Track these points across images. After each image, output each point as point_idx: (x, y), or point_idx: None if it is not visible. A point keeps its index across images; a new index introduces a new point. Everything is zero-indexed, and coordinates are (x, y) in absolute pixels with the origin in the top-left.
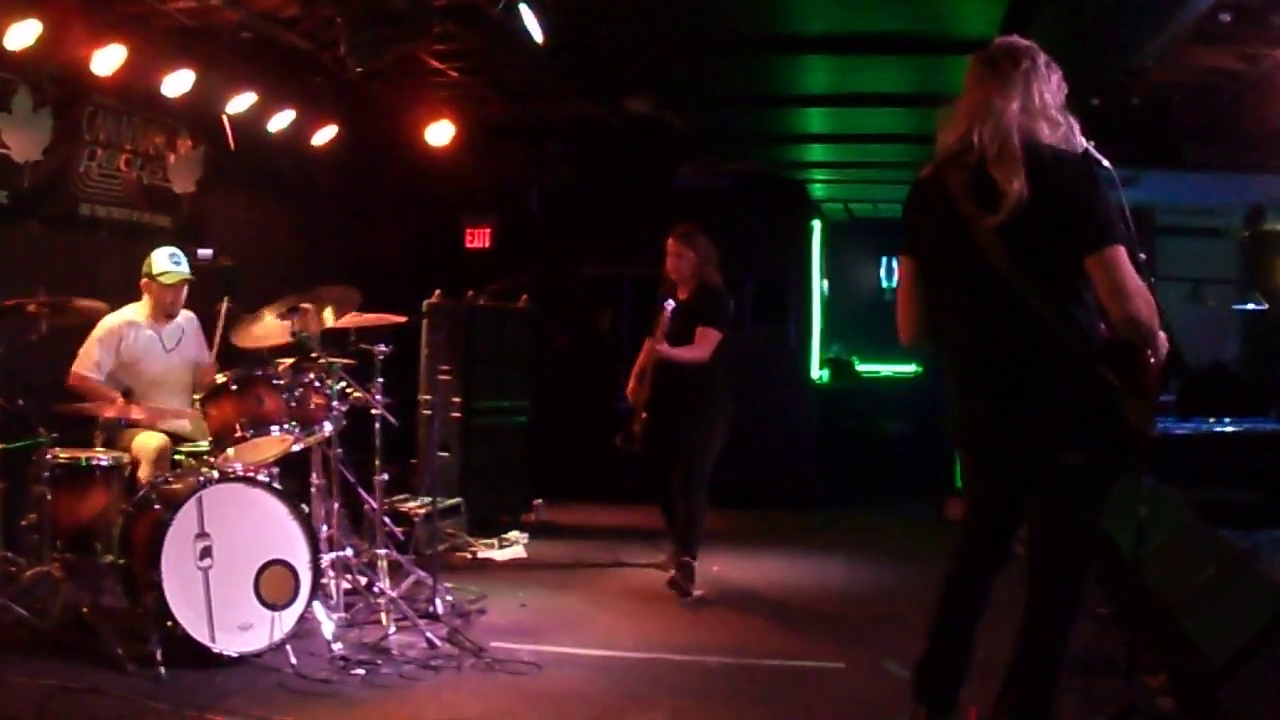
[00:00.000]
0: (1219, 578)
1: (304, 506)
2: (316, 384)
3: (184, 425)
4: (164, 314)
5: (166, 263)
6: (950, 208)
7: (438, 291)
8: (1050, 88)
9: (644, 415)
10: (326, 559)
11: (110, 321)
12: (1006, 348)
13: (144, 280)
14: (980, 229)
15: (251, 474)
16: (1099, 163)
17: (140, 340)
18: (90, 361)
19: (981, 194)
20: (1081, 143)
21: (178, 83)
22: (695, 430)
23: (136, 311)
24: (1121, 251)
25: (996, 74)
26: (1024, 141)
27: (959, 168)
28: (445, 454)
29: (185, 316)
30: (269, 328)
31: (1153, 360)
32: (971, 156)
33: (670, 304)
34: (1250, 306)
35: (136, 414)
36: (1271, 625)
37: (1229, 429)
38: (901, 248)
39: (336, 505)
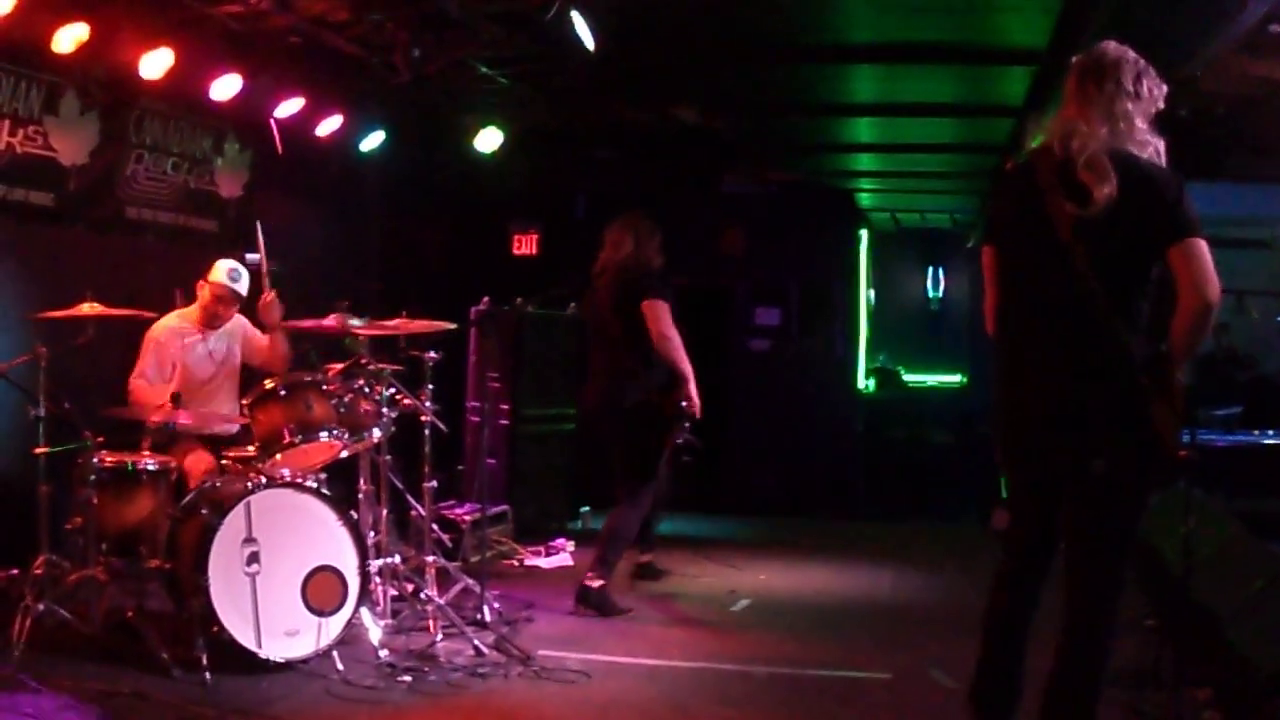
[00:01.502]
0: (1267, 590)
1: (352, 513)
2: (366, 390)
3: (230, 429)
4: (210, 323)
5: (223, 274)
6: (1036, 195)
7: (486, 298)
8: (1141, 105)
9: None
10: (374, 565)
11: (155, 332)
12: (1063, 339)
13: (200, 283)
14: (1062, 222)
15: (300, 480)
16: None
17: (185, 347)
18: (143, 374)
19: (1070, 188)
20: (1163, 162)
21: (226, 86)
22: None
23: (184, 317)
24: (1205, 245)
25: (1084, 95)
26: (1114, 153)
27: (1050, 160)
28: (493, 461)
29: (235, 319)
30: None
31: (1180, 380)
32: (1064, 154)
33: None
34: None
35: (184, 419)
36: None
37: (1273, 440)
38: (984, 238)
39: (385, 512)
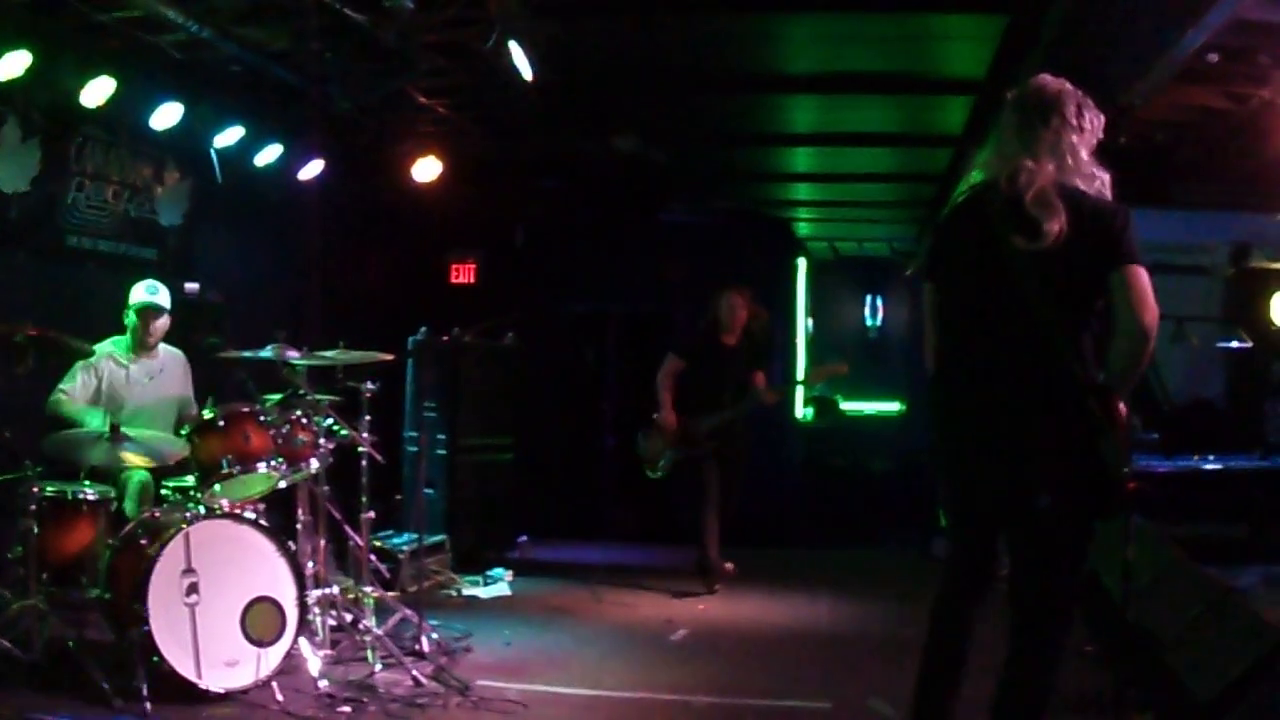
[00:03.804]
0: (1206, 615)
1: (290, 543)
2: (304, 421)
3: (169, 459)
4: (140, 344)
5: (141, 293)
6: (983, 230)
7: (423, 328)
8: (1085, 138)
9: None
10: (313, 596)
11: (90, 357)
12: (1009, 371)
13: (126, 310)
14: (1010, 255)
15: (238, 510)
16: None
17: (120, 374)
18: (66, 388)
19: (1020, 223)
20: (1109, 196)
21: (166, 115)
22: (744, 453)
23: (118, 345)
24: (1144, 273)
25: (1029, 132)
26: (1062, 188)
27: (995, 196)
28: (430, 491)
29: (173, 354)
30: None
31: (1122, 408)
32: (1011, 191)
33: None
34: (1234, 344)
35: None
36: (1259, 662)
37: (1213, 466)
38: (925, 274)
39: (323, 542)
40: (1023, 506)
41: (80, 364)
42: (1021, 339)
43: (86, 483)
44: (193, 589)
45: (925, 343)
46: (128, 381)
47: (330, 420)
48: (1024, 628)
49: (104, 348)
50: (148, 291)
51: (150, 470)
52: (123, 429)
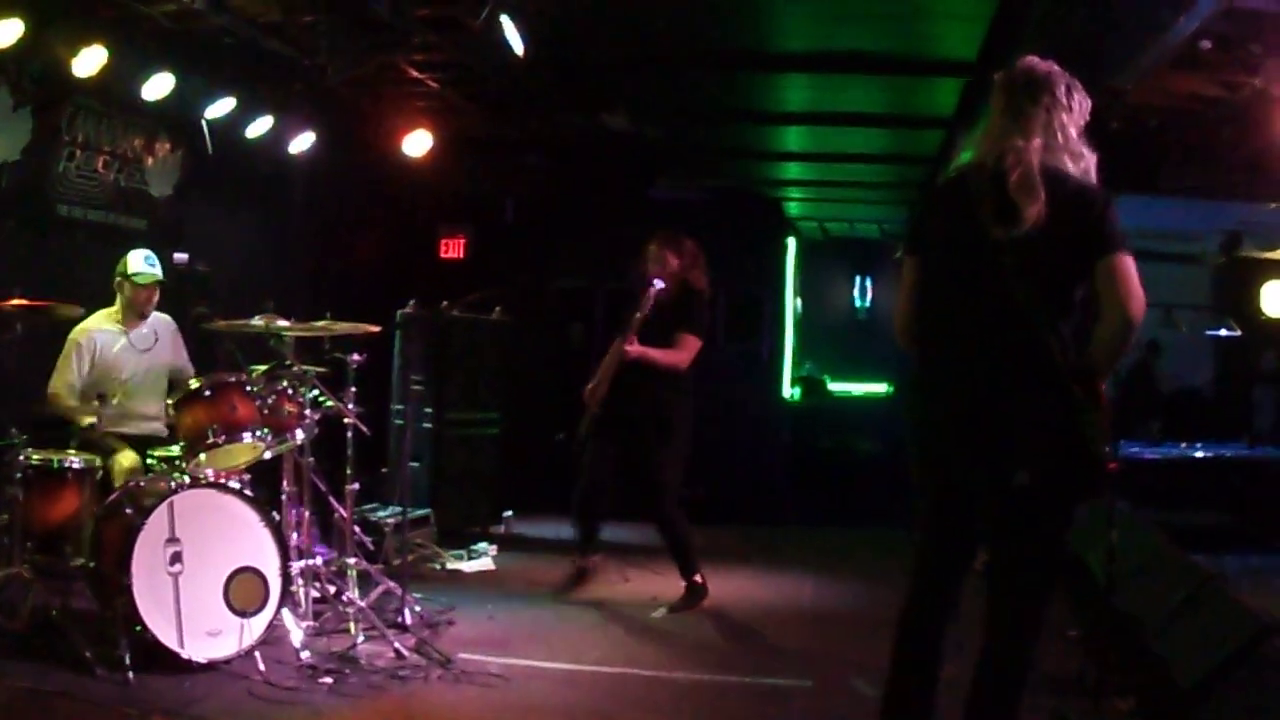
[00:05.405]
0: (1190, 601)
1: (274, 514)
2: (290, 392)
3: (158, 429)
4: (136, 314)
5: (140, 264)
6: (967, 209)
7: (412, 301)
8: (1074, 118)
9: (595, 412)
10: (296, 567)
11: (77, 336)
12: (989, 351)
13: (118, 280)
14: (992, 235)
15: (223, 480)
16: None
17: (110, 346)
18: (65, 381)
19: (1000, 206)
20: (1094, 178)
21: (158, 86)
22: (664, 444)
23: (106, 317)
24: (1131, 261)
25: (1016, 110)
26: (1046, 170)
27: (982, 176)
28: (416, 464)
29: (162, 320)
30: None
31: (1104, 390)
32: (995, 171)
33: (659, 284)
34: (1223, 332)
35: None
36: (1241, 649)
37: (1201, 454)
38: (907, 248)
39: (307, 513)
40: (1001, 484)
41: (72, 344)
42: (1001, 319)
43: (73, 451)
44: (176, 558)
45: (896, 315)
46: (124, 351)
47: (316, 391)
48: (1001, 609)
49: (89, 323)
50: (147, 263)
51: (138, 440)
52: (113, 399)
